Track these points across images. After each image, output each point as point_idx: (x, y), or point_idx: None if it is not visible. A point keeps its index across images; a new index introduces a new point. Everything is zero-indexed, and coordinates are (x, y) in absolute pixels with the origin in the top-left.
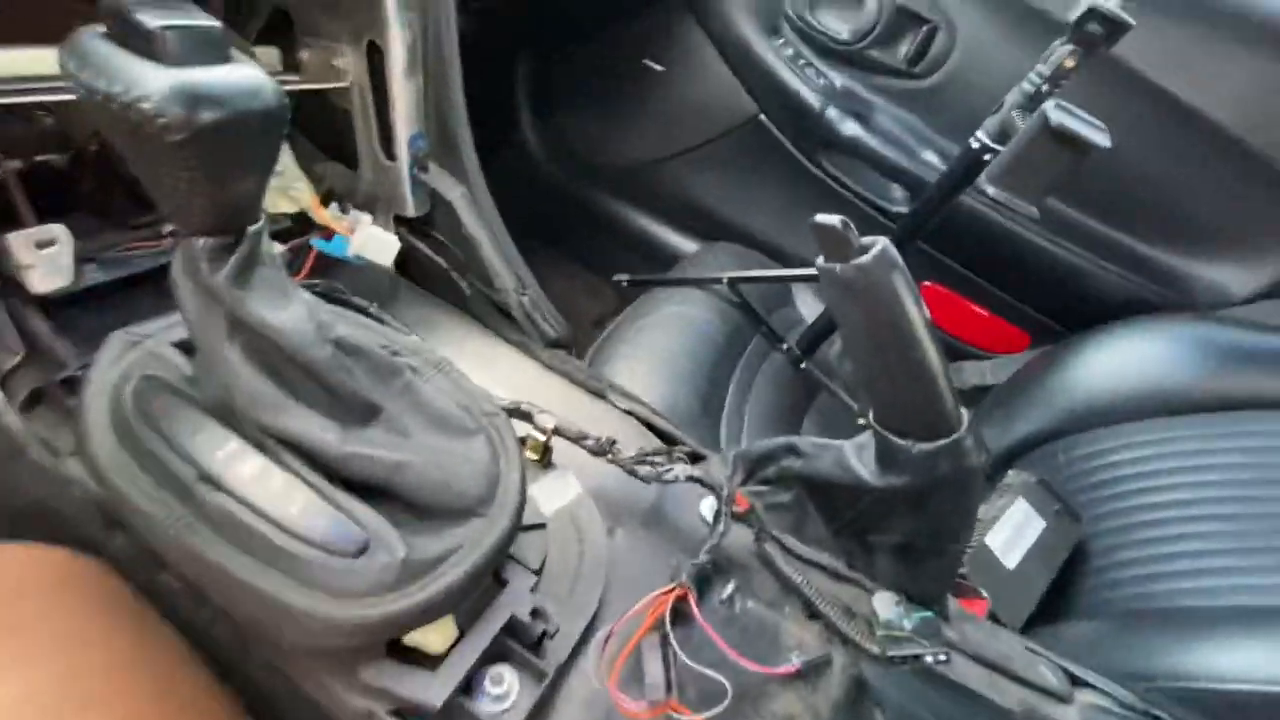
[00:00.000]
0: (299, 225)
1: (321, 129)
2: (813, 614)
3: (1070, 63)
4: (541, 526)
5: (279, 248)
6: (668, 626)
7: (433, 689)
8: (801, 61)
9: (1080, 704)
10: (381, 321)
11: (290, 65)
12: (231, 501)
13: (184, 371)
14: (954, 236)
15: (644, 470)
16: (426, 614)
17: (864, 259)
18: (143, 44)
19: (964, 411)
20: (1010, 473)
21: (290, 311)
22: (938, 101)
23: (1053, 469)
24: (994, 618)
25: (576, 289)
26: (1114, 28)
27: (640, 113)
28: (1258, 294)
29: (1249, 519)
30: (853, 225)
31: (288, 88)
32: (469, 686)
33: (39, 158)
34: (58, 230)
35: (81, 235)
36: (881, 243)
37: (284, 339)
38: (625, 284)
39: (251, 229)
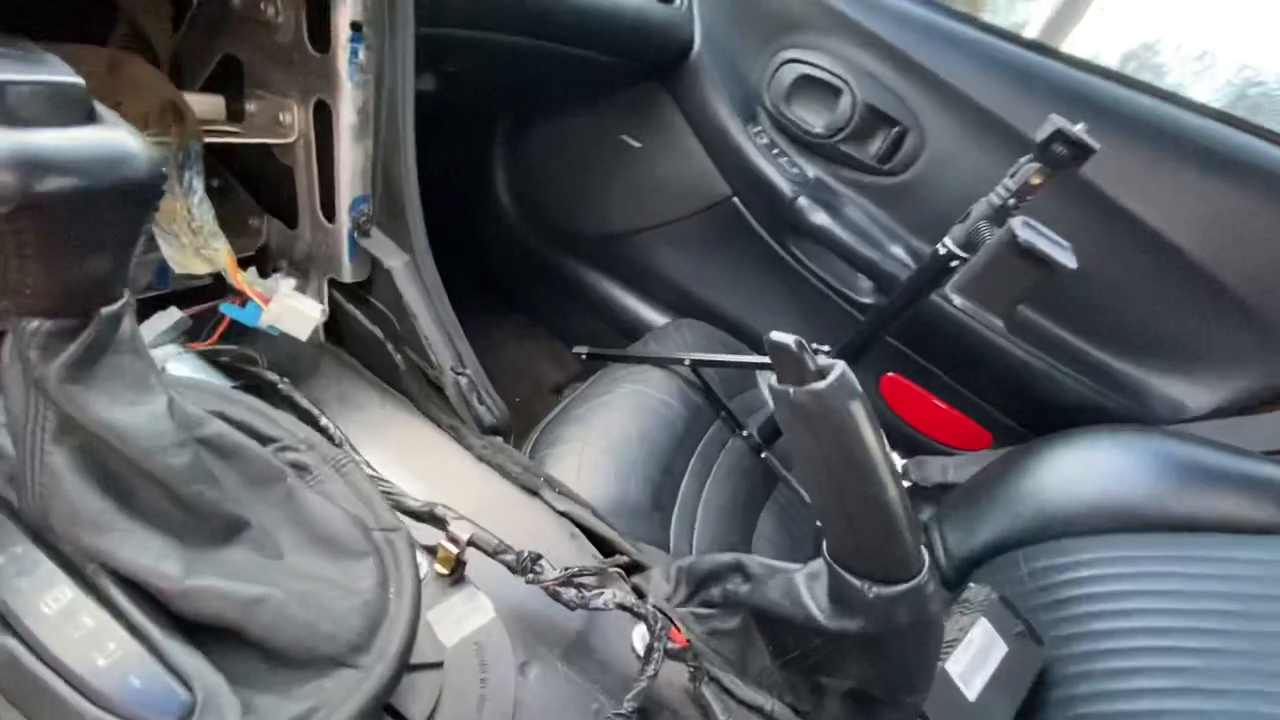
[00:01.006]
0: (218, 285)
1: (263, 183)
2: None
3: (1037, 180)
4: (437, 666)
5: (178, 314)
6: None
7: None
8: (775, 150)
9: None
10: (289, 400)
11: (235, 115)
12: (20, 648)
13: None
14: (920, 331)
15: (569, 594)
16: None
17: (819, 385)
18: None
19: (925, 554)
20: (972, 586)
21: (144, 409)
22: (907, 199)
23: (1014, 580)
24: None
25: (540, 354)
26: (1079, 150)
27: (616, 185)
28: (1214, 411)
29: (1217, 654)
30: (808, 346)
31: (228, 140)
32: None
33: None
34: None
35: None
36: (839, 367)
37: (128, 443)
38: (584, 357)
39: (105, 312)
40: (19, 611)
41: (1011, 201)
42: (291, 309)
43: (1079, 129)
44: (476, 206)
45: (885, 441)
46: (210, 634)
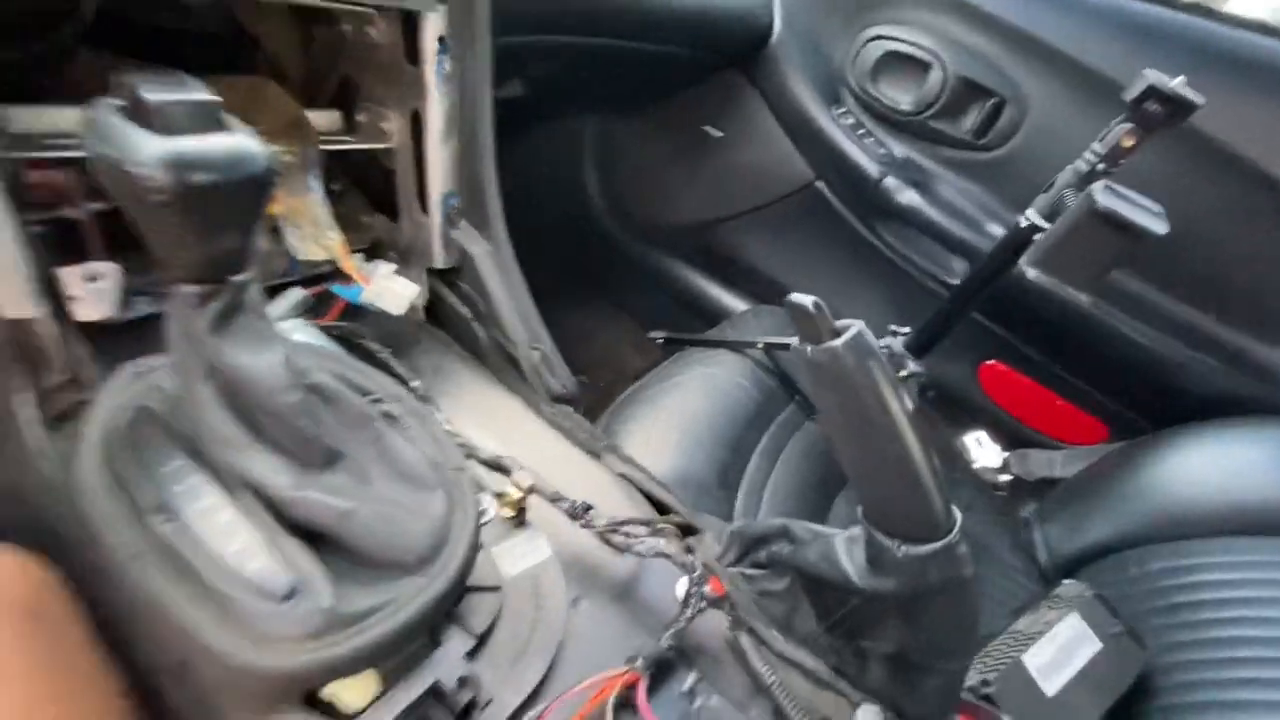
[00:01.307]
0: (337, 273)
1: (372, 184)
2: (781, 718)
3: (1128, 142)
4: (496, 589)
5: (301, 293)
6: (609, 714)
7: None
8: (861, 131)
9: None
10: (386, 366)
11: (349, 128)
12: (177, 534)
13: (176, 403)
14: (1023, 314)
15: (617, 539)
16: (345, 668)
17: (835, 342)
18: (143, 116)
19: (956, 513)
20: (1066, 583)
21: (265, 358)
22: (1005, 174)
23: (1121, 583)
24: None
25: (625, 343)
26: (1177, 107)
27: (699, 175)
28: None
29: None
30: (825, 307)
31: (342, 146)
32: None
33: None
34: (106, 267)
35: (139, 271)
36: (856, 327)
37: (253, 383)
38: (660, 342)
39: (236, 280)
40: (178, 508)
41: (1101, 166)
42: (388, 289)
43: (1177, 83)
44: (570, 206)
45: (906, 399)
46: (313, 538)
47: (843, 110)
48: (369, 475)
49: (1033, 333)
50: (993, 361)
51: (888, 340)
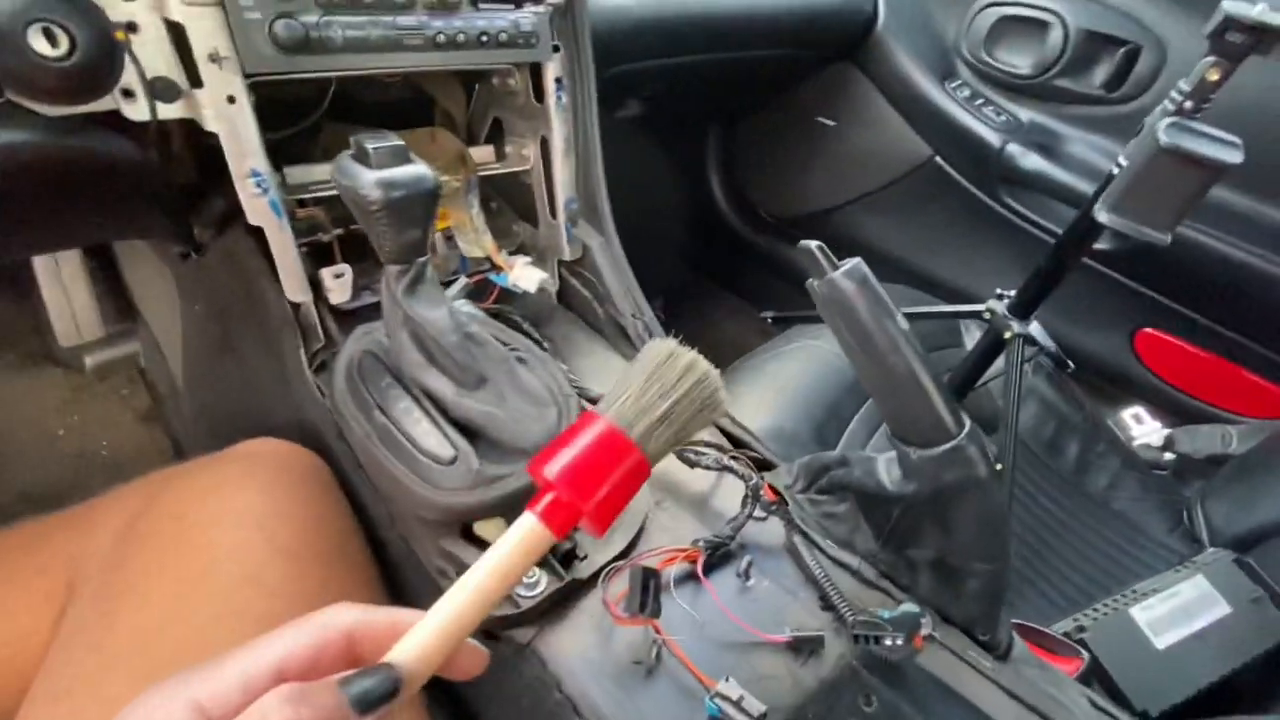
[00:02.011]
0: (491, 266)
1: (518, 200)
2: (827, 606)
3: (1214, 76)
4: None
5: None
6: (665, 570)
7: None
8: (979, 100)
9: None
10: (521, 329)
11: (500, 156)
12: (389, 423)
13: (387, 347)
14: (1186, 276)
15: (690, 455)
16: (486, 512)
17: (833, 273)
18: (364, 159)
19: (965, 420)
20: (1209, 550)
21: (438, 312)
22: None
23: None
24: (1086, 681)
25: (750, 331)
26: (1261, 35)
27: (815, 166)
28: None
29: None
30: (828, 250)
31: (495, 172)
32: None
33: (352, 227)
34: (345, 267)
35: (365, 274)
36: (852, 262)
37: (430, 328)
38: (771, 320)
39: (419, 260)
40: (388, 408)
41: (1189, 104)
42: (524, 274)
43: (1258, 10)
44: (696, 208)
45: (900, 320)
46: (470, 433)
47: (957, 83)
48: (505, 394)
49: (1196, 295)
50: (1150, 329)
51: (991, 303)
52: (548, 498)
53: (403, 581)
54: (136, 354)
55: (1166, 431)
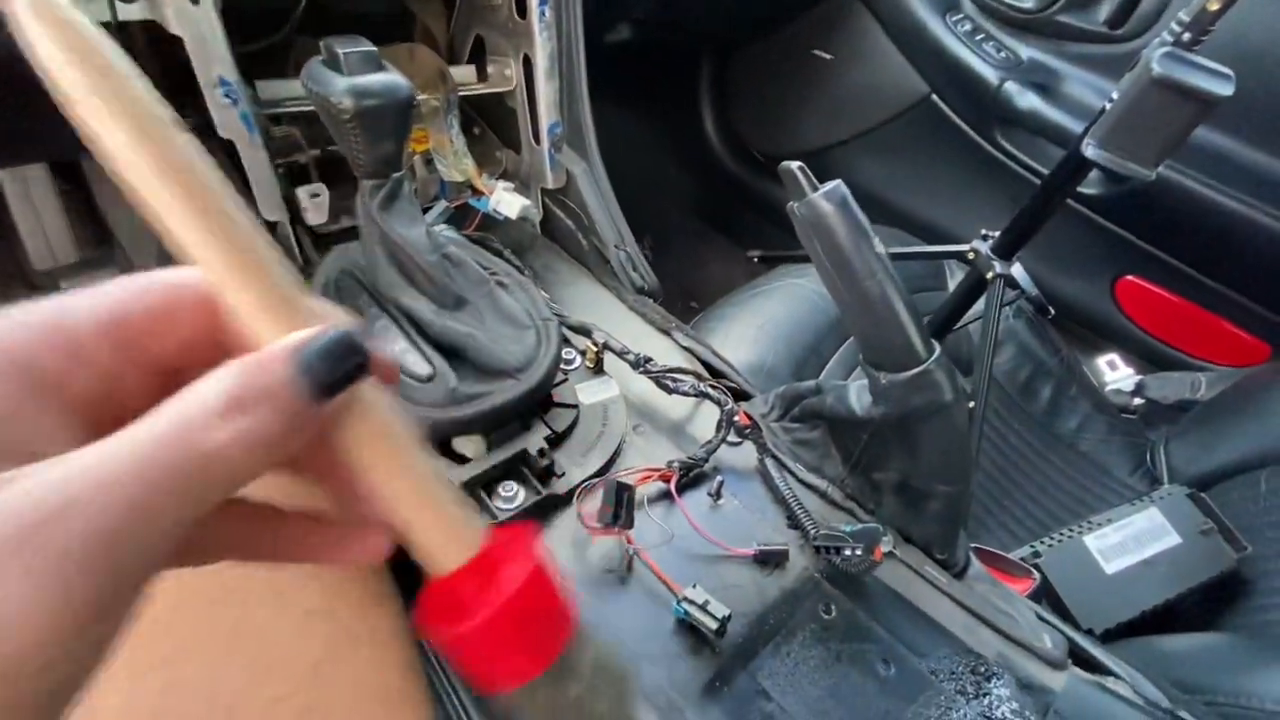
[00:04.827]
0: (473, 191)
1: (501, 125)
2: (793, 525)
3: (1214, 5)
4: (574, 407)
5: (446, 204)
6: (639, 488)
7: (461, 475)
8: (980, 36)
9: (1071, 673)
10: (501, 255)
11: (481, 76)
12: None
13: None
14: (1169, 223)
15: (667, 382)
16: (463, 429)
17: (812, 195)
18: (336, 65)
19: (935, 346)
20: (1164, 487)
21: (415, 230)
22: None
23: (1248, 500)
24: (1036, 599)
25: (737, 273)
26: None
27: (810, 102)
28: None
29: None
30: (809, 173)
31: (477, 91)
32: (490, 489)
33: (329, 148)
34: (322, 187)
35: (344, 198)
36: (832, 184)
37: (407, 246)
38: (757, 260)
39: (394, 175)
40: (366, 328)
41: (1187, 36)
42: (505, 199)
43: None
44: (687, 145)
45: (877, 244)
46: (447, 353)
47: (959, 17)
48: (484, 316)
49: (1180, 243)
50: (1131, 277)
51: (975, 243)
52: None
53: None
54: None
55: (1138, 378)
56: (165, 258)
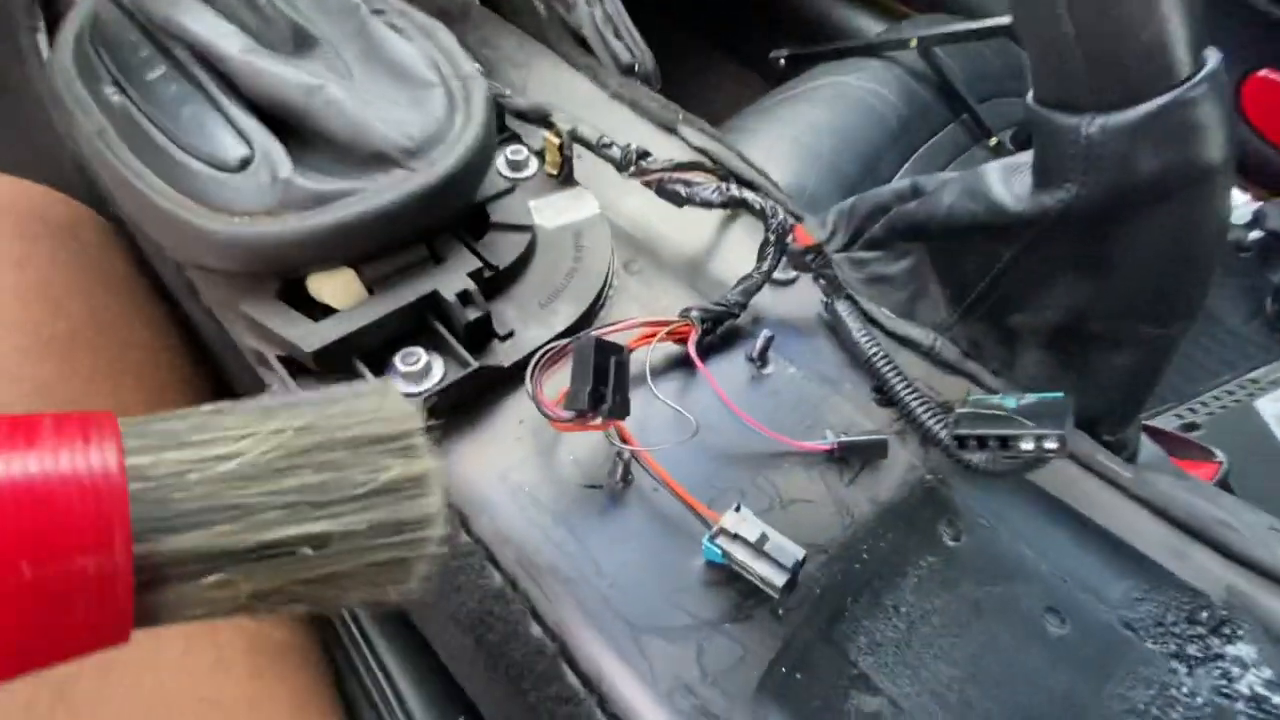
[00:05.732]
0: None
1: None
2: (886, 400)
3: None
4: (525, 229)
5: None
6: (636, 352)
7: (311, 335)
8: None
9: None
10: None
11: None
12: (130, 105)
13: None
14: None
15: (674, 188)
16: (305, 249)
17: None
18: None
19: (1212, 51)
20: None
21: None
22: None
23: None
24: (1227, 488)
25: (744, 95)
26: None
27: None
28: None
29: None
30: None
31: None
32: (381, 360)
33: None
34: None
35: None
36: None
37: None
38: (783, 62)
39: None
40: (131, 82)
41: None
42: None
43: None
44: None
45: None
46: (279, 124)
47: None
48: (350, 67)
49: None
50: (1265, 71)
51: None
52: None
53: (229, 380)
54: None
55: (1258, 205)
56: None
